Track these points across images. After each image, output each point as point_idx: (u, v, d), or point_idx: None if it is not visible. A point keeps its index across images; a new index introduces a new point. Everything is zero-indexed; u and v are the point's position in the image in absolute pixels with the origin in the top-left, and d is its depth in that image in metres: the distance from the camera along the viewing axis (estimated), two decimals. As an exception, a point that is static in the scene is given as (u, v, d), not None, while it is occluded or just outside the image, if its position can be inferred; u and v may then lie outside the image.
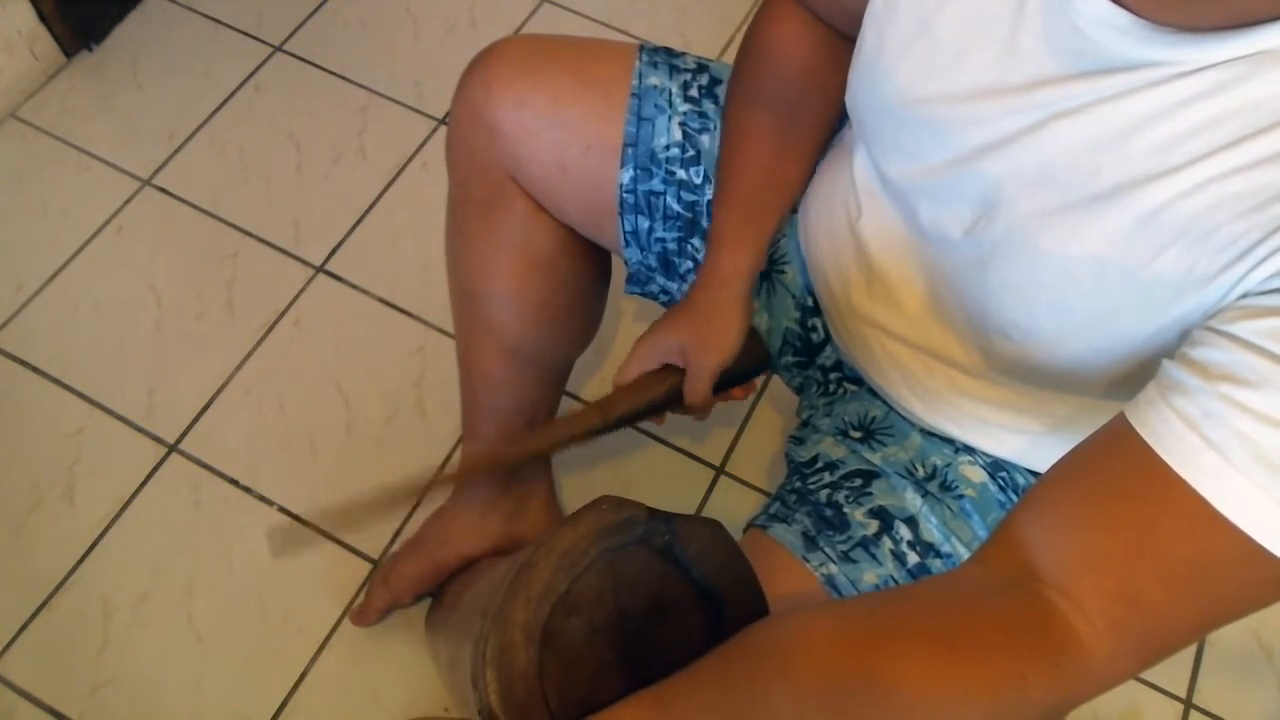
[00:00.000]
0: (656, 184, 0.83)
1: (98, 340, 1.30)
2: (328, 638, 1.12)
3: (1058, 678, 0.49)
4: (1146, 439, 0.49)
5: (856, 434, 0.78)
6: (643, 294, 0.93)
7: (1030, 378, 0.67)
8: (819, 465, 0.78)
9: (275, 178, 1.45)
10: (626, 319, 1.36)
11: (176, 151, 1.46)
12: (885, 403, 0.79)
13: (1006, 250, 0.60)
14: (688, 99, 0.82)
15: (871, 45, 0.65)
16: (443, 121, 1.51)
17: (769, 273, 0.86)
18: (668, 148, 0.82)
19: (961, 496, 0.74)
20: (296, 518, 1.19)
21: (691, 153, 0.82)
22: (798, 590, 0.68)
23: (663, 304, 0.93)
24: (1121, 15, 0.51)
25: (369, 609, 1.10)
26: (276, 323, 1.33)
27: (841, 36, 0.76)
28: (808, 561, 0.70)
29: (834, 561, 0.70)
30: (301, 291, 1.35)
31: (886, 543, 0.71)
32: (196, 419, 1.25)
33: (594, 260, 0.92)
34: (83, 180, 1.43)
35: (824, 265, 0.79)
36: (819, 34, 0.77)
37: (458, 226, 0.89)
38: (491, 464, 0.84)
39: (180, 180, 1.44)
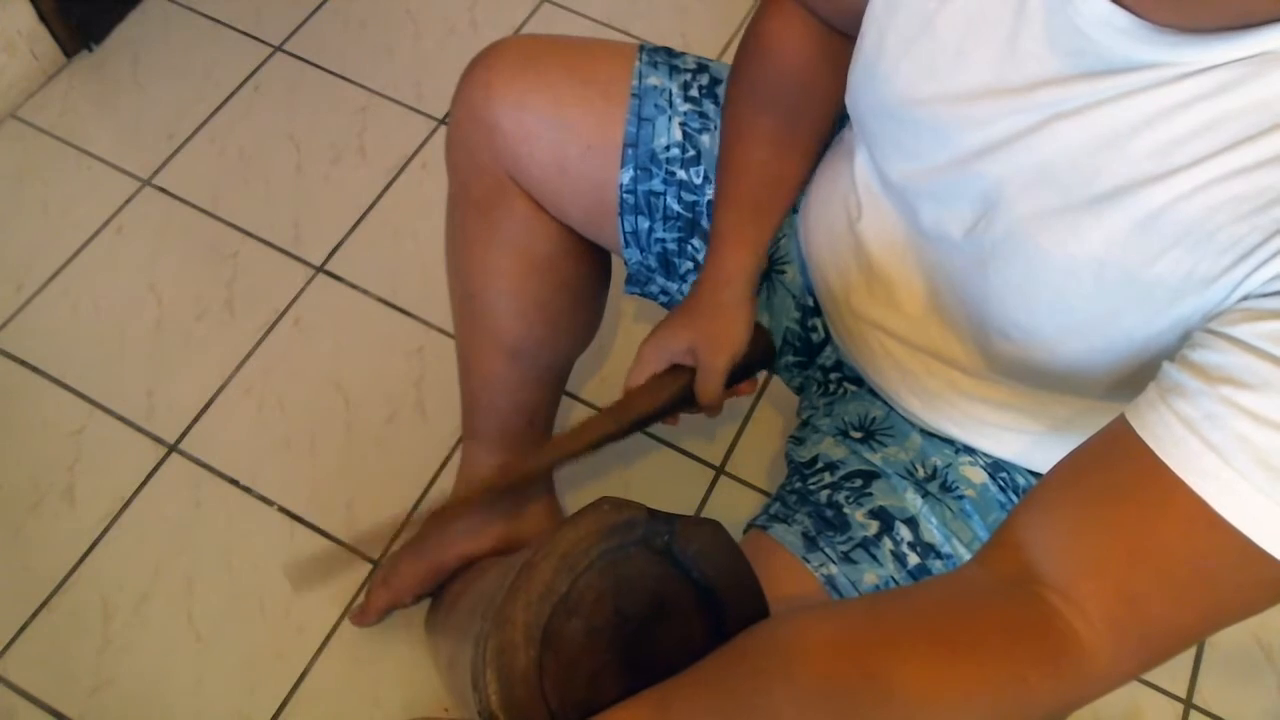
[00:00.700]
0: (657, 184, 0.83)
1: (98, 340, 1.30)
2: (328, 638, 1.12)
3: (1058, 679, 0.49)
4: (1147, 441, 0.49)
5: (857, 434, 0.78)
6: (642, 294, 0.93)
7: (1030, 378, 0.67)
8: (819, 466, 0.77)
9: (275, 178, 1.44)
10: (626, 319, 1.36)
11: (176, 151, 1.46)
12: (886, 403, 0.79)
13: (1007, 250, 0.60)
14: (688, 99, 0.82)
15: (872, 45, 0.65)
16: (443, 121, 1.51)
17: (769, 273, 0.86)
18: (668, 148, 0.82)
19: (962, 497, 0.74)
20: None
21: (692, 153, 0.82)
22: (798, 591, 0.68)
23: (663, 304, 0.93)
24: (1123, 16, 0.51)
25: (369, 609, 1.10)
26: (276, 323, 1.33)
27: (841, 36, 0.76)
28: (808, 562, 0.70)
29: (834, 562, 0.70)
30: (301, 291, 1.35)
31: (887, 543, 0.71)
32: (196, 419, 1.25)
33: (594, 260, 0.92)
34: (83, 180, 1.43)
35: (824, 265, 0.79)
36: (819, 33, 0.77)
37: (457, 227, 0.89)
38: (511, 479, 0.82)
39: (180, 180, 1.44)
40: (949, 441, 0.76)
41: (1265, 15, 0.48)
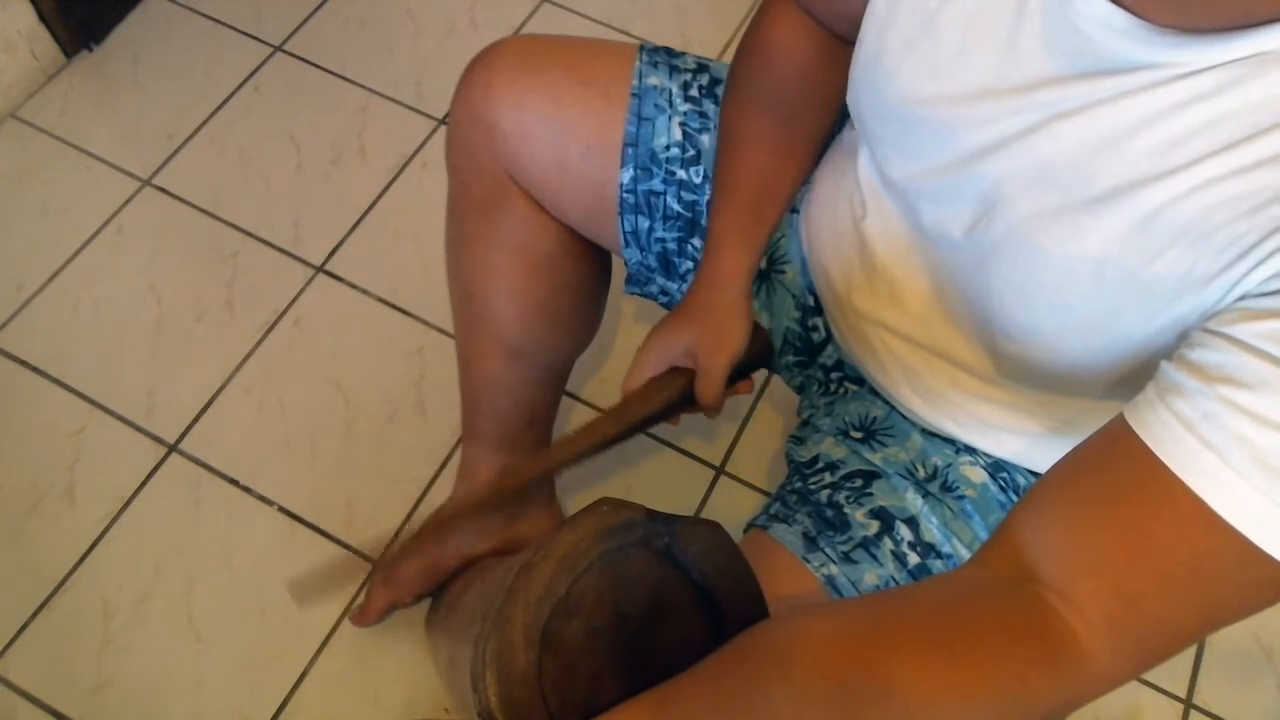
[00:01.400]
0: (656, 184, 0.83)
1: (98, 340, 1.30)
2: (328, 638, 1.12)
3: (1058, 679, 0.49)
4: (1145, 441, 0.49)
5: (857, 434, 0.78)
6: (642, 294, 0.93)
7: (1031, 378, 0.67)
8: (819, 465, 0.78)
9: (275, 178, 1.45)
10: (626, 319, 1.36)
11: (176, 151, 1.46)
12: (886, 402, 0.79)
13: (1007, 250, 0.60)
14: (688, 99, 0.82)
15: (873, 45, 0.65)
16: (443, 121, 1.51)
17: (769, 273, 0.86)
18: (668, 148, 0.82)
19: (962, 497, 0.74)
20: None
21: (692, 153, 0.82)
22: (798, 591, 0.68)
23: (662, 304, 0.93)
24: (1121, 16, 0.51)
25: (369, 609, 1.10)
26: (276, 323, 1.33)
27: (839, 39, 0.76)
28: (808, 562, 0.70)
29: (834, 562, 0.70)
30: (301, 291, 1.35)
31: (887, 543, 0.71)
32: (196, 419, 1.25)
33: (594, 260, 0.92)
34: (83, 180, 1.43)
35: (827, 264, 0.79)
36: (817, 37, 0.77)
37: (457, 226, 0.89)
38: (512, 484, 0.82)
39: (180, 180, 1.44)
40: (949, 441, 0.76)
41: (1263, 16, 0.48)
